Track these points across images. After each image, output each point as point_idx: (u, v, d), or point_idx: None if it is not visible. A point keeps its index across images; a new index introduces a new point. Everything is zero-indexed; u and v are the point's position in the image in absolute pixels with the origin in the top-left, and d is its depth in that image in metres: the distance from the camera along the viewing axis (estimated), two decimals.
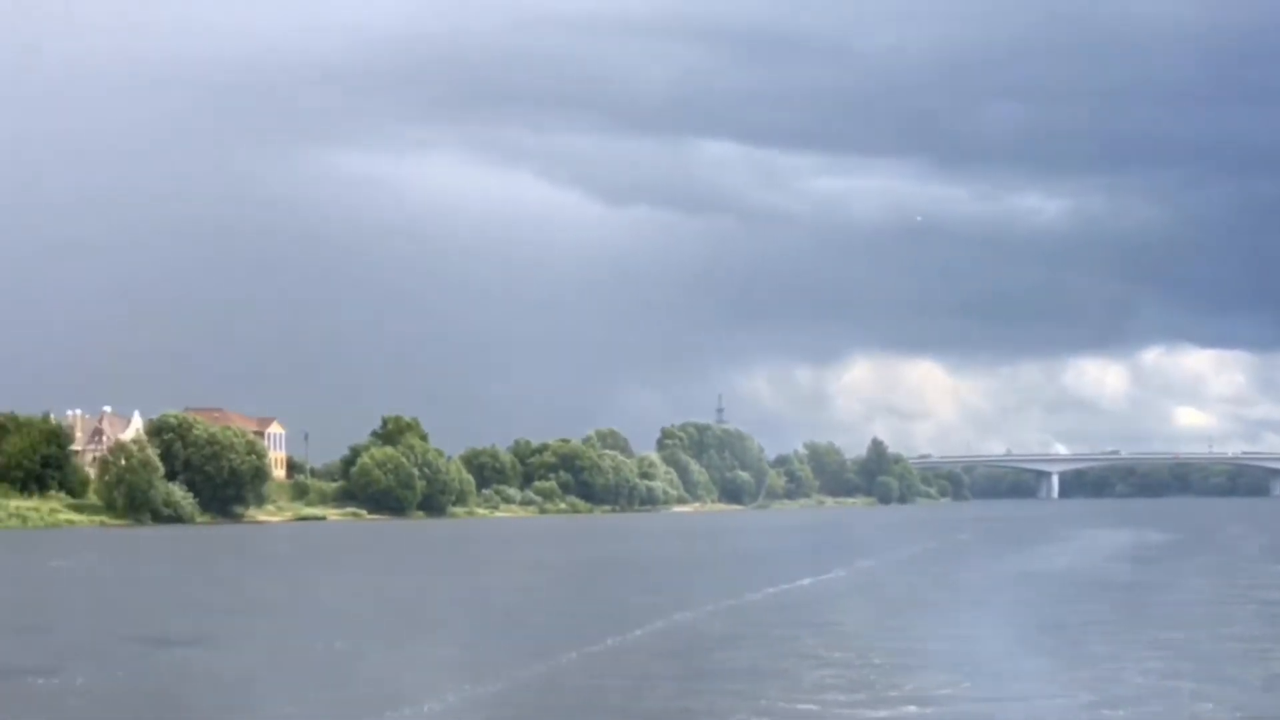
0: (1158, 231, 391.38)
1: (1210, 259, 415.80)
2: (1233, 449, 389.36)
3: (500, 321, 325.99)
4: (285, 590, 73.44)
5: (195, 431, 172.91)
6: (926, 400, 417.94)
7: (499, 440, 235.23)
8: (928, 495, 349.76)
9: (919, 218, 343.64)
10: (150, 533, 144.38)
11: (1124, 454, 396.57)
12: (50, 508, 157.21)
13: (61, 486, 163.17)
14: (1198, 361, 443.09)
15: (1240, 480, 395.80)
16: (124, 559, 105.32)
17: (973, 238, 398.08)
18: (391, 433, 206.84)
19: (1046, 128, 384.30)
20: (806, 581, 71.68)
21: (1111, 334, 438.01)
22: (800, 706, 30.82)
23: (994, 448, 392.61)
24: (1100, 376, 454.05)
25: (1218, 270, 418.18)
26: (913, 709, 30.60)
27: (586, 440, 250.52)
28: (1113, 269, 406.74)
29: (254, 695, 34.37)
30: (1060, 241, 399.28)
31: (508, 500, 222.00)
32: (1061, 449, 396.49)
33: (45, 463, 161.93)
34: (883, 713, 29.99)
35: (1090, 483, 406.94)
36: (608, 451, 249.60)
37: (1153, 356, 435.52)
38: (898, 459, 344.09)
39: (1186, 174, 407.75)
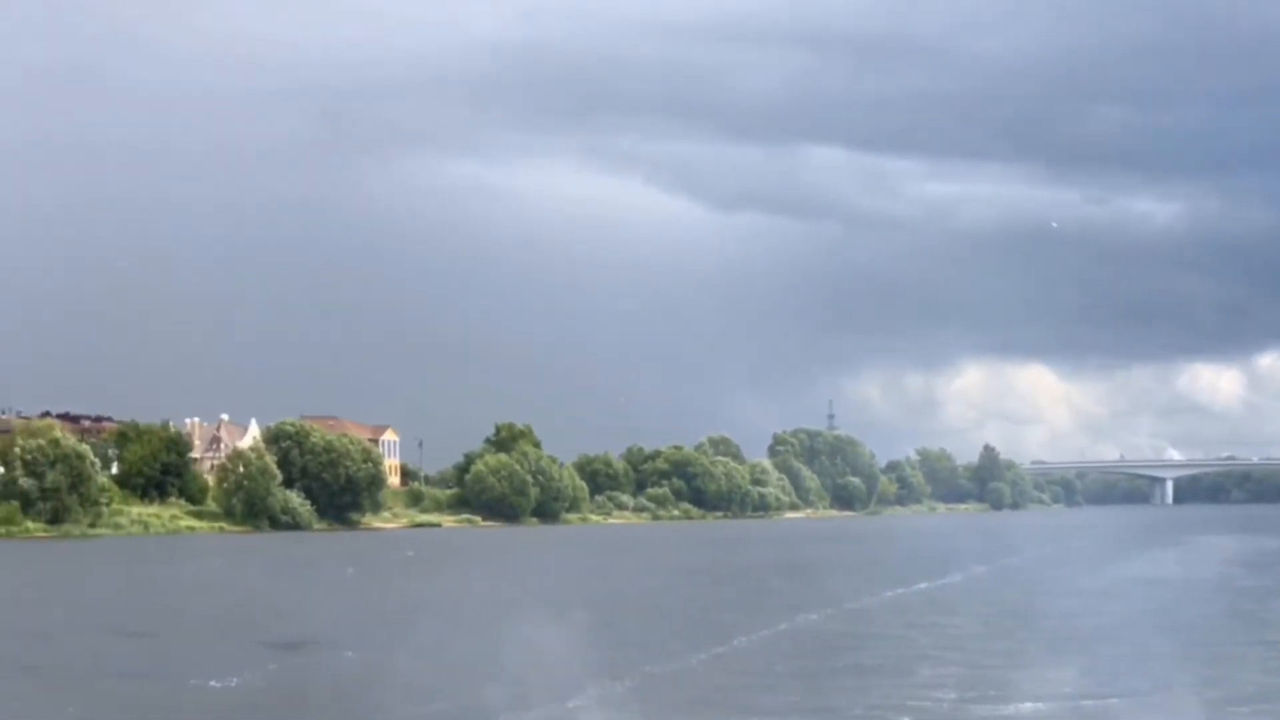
0: (1272, 234, 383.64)
1: None
2: None
3: (611, 327, 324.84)
4: (423, 593, 74.02)
5: (312, 439, 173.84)
6: (1038, 406, 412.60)
7: (611, 447, 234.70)
8: (1040, 501, 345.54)
9: (1054, 224, 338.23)
10: (270, 539, 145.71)
11: (1239, 459, 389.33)
12: (171, 514, 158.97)
13: (181, 493, 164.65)
14: None
15: None
16: (252, 565, 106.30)
17: (1084, 242, 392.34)
18: (505, 440, 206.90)
19: (1158, 130, 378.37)
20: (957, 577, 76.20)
21: (1226, 338, 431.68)
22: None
23: (1107, 453, 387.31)
24: (1214, 381, 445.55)
25: None
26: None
27: (699, 447, 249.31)
28: (1227, 272, 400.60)
29: (412, 692, 35.48)
30: (1173, 245, 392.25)
31: (620, 507, 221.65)
32: (1175, 454, 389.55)
33: (165, 470, 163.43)
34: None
35: (1205, 489, 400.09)
36: (720, 458, 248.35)
37: (1268, 360, 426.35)
38: (1010, 465, 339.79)
39: None
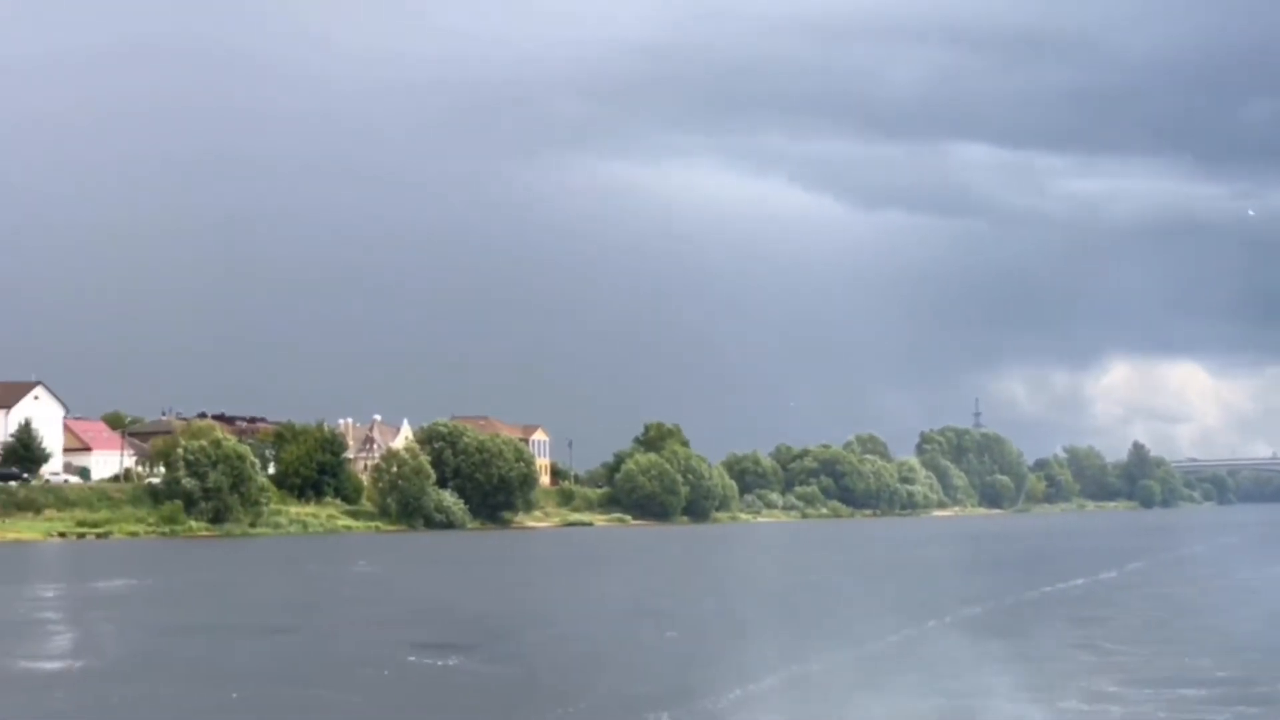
0: None
1: None
2: None
3: (756, 326, 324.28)
4: (599, 586, 74.84)
5: (465, 439, 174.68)
6: (1188, 403, 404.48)
7: (759, 446, 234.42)
8: (1191, 499, 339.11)
9: (1251, 212, 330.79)
10: (426, 538, 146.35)
11: None
12: (328, 514, 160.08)
13: (336, 493, 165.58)
14: None
15: None
16: (419, 562, 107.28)
17: (1234, 237, 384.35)
18: (653, 439, 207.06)
19: None
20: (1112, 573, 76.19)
21: None
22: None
23: (1260, 450, 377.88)
24: None
25: None
26: None
27: (846, 445, 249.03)
28: None
29: (619, 678, 37.07)
30: None
31: (770, 505, 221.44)
32: None
33: (321, 470, 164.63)
34: None
35: None
36: (868, 456, 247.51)
37: None
38: (1160, 462, 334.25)
39: None
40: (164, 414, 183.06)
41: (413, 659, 42.03)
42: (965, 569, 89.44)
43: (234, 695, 36.18)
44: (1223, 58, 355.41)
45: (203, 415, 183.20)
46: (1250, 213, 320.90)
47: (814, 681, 35.35)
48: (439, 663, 41.07)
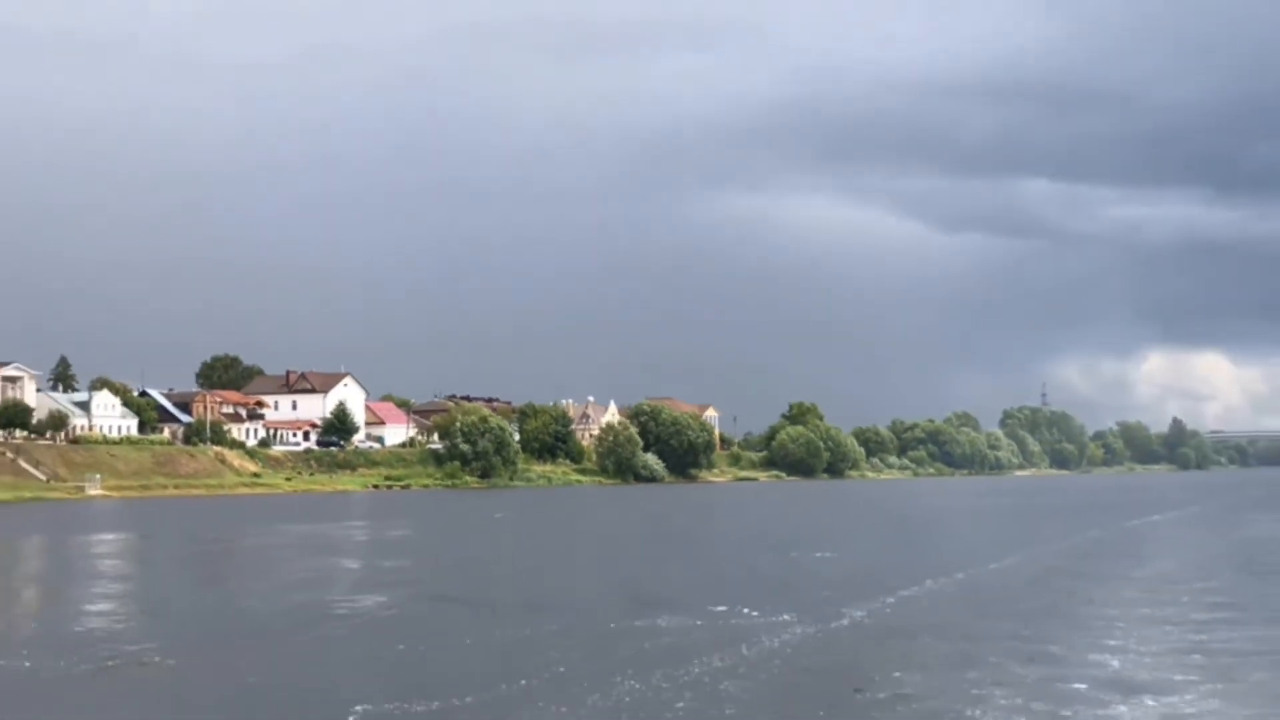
0: None
1: None
2: None
3: (866, 325, 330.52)
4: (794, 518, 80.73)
5: (662, 415, 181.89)
6: (1214, 385, 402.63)
7: (878, 420, 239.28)
8: (1219, 463, 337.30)
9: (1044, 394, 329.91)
10: (638, 489, 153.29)
11: None
12: (562, 471, 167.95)
13: (566, 455, 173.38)
14: None
15: None
16: (668, 506, 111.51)
17: (1250, 252, 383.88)
18: (797, 415, 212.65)
19: None
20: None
21: None
22: None
23: (1274, 424, 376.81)
24: None
25: None
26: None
27: (947, 420, 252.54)
28: None
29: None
30: None
31: (889, 466, 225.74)
32: None
33: (555, 438, 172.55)
34: None
35: None
36: (963, 428, 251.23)
37: None
38: (1193, 434, 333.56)
39: None
40: (435, 398, 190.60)
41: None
42: (1073, 509, 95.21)
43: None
44: (1236, 107, 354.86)
45: (451, 397, 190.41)
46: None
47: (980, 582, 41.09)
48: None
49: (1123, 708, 18.76)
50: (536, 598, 34.61)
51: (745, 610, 29.41)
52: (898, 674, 21.34)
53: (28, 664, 23.74)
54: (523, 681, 21.26)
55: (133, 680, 22.50)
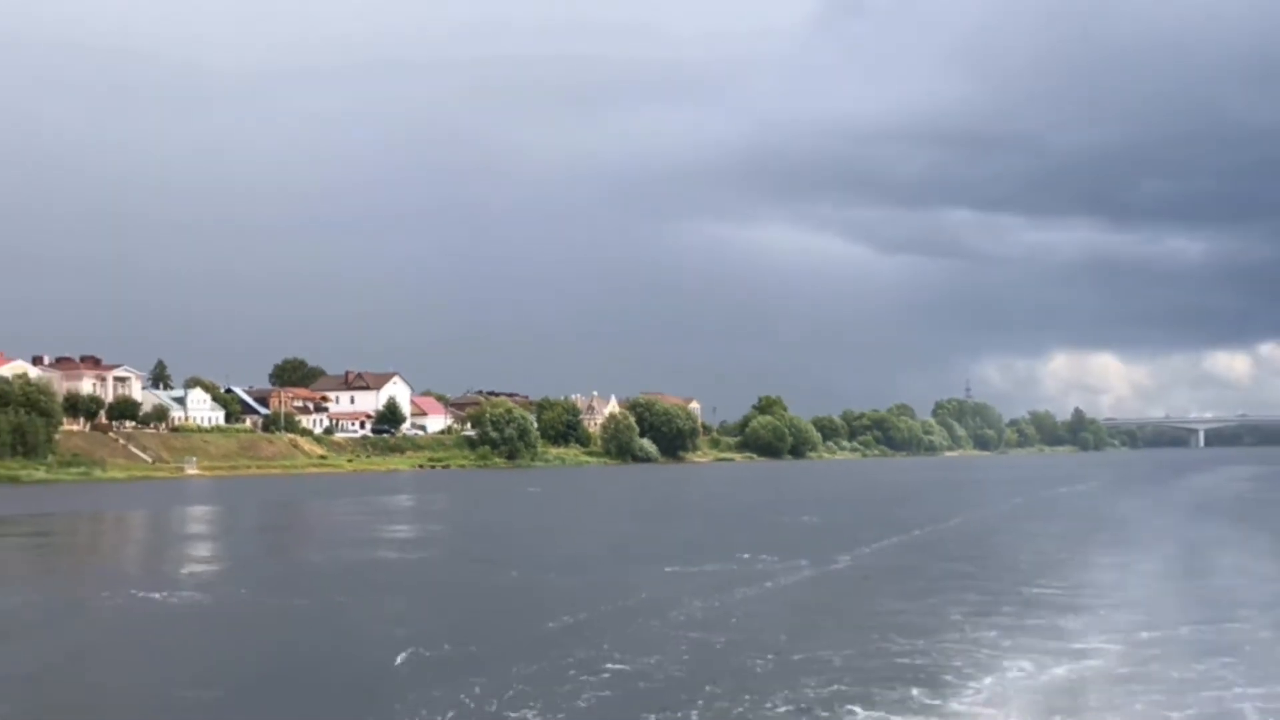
0: (1269, 260, 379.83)
1: None
2: None
3: (822, 332, 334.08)
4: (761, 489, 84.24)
5: (656, 406, 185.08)
6: (1107, 381, 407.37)
7: (832, 410, 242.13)
8: (1113, 445, 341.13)
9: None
10: (637, 468, 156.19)
11: (1250, 417, 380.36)
12: (573, 454, 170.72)
13: (576, 440, 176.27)
14: None
15: None
16: (667, 482, 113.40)
17: (1138, 270, 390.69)
18: (765, 406, 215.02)
19: (1186, 193, 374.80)
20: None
21: (1239, 332, 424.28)
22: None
23: (1156, 413, 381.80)
24: (1230, 363, 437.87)
25: None
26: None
27: (889, 410, 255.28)
28: (1239, 288, 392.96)
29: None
30: (1198, 270, 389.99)
31: (841, 448, 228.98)
32: (1205, 414, 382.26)
33: (567, 426, 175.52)
34: None
35: (1225, 436, 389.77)
36: (902, 417, 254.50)
37: (1268, 348, 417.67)
38: (1091, 421, 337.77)
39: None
40: (466, 393, 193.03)
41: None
42: (999, 482, 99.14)
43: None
44: (1124, 151, 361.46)
45: (480, 392, 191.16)
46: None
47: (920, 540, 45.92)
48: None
49: (1050, 612, 23.32)
50: (590, 552, 37.82)
51: (765, 557, 33.58)
52: (884, 600, 25.75)
53: (139, 598, 26.46)
54: (603, 608, 23.61)
55: (220, 615, 23.93)
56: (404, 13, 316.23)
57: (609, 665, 18.21)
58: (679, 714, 15.43)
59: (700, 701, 15.94)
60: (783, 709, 15.61)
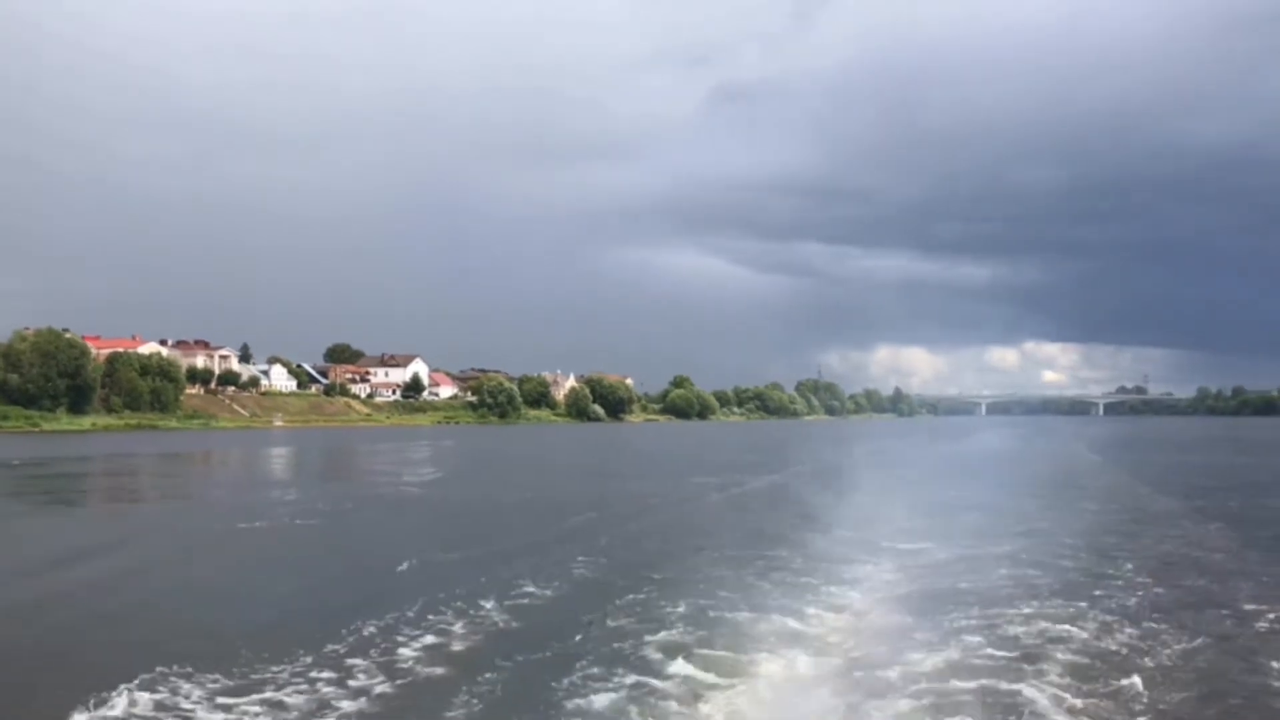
0: (1042, 282, 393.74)
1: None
2: (1072, 392, 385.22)
3: (714, 329, 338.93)
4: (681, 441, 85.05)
5: (603, 382, 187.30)
6: (917, 367, 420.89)
7: (725, 385, 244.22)
8: (921, 413, 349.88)
9: None
10: (592, 426, 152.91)
11: (1017, 394, 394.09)
12: (545, 415, 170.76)
13: (546, 405, 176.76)
14: (1050, 349, 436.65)
15: (1076, 406, 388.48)
16: (620, 436, 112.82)
17: (941, 288, 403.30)
18: (679, 382, 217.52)
19: (975, 234, 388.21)
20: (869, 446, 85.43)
21: (1007, 333, 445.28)
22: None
23: (952, 390, 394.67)
24: (1004, 355, 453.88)
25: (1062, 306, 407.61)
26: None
27: (766, 386, 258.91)
28: (1011, 302, 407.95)
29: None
30: (984, 289, 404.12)
31: (733, 414, 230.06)
32: (987, 392, 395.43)
33: (540, 394, 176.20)
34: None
35: (1001, 408, 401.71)
36: (775, 391, 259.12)
37: (1030, 345, 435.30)
38: (907, 396, 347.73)
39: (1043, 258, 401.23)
40: (465, 369, 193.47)
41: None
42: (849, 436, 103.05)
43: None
44: (929, 203, 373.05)
45: (474, 368, 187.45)
46: None
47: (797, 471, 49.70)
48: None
49: (899, 523, 26.31)
50: (589, 466, 40.14)
51: (712, 480, 37.61)
52: (798, 499, 30.06)
53: (222, 522, 24.45)
54: (593, 513, 22.89)
55: (284, 534, 22.23)
56: (413, 82, 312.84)
57: (600, 558, 17.78)
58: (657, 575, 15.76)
59: (669, 566, 16.59)
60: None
